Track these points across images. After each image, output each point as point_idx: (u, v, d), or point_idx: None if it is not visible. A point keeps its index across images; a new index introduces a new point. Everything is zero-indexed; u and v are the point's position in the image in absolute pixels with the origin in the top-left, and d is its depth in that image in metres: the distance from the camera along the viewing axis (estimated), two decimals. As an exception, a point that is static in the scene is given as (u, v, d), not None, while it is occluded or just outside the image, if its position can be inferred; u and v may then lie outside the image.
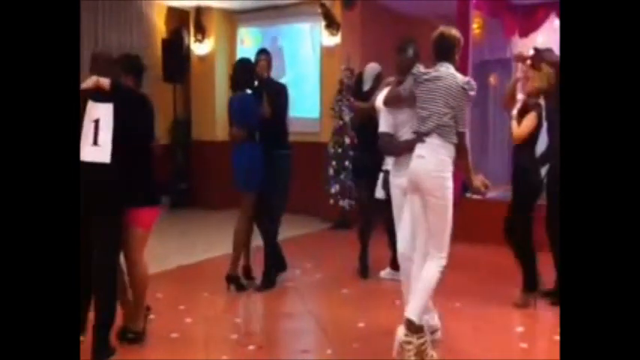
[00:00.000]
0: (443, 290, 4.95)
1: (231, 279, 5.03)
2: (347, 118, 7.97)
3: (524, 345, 3.93)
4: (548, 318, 4.50)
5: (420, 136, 3.59)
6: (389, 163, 4.83)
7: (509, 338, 4.10)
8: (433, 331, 3.77)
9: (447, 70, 3.59)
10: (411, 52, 3.99)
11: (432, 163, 3.51)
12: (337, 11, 8.51)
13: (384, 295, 5.01)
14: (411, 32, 9.59)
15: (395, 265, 5.01)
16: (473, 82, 3.60)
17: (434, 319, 3.86)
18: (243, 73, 5.06)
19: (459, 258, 6.55)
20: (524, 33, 8.69)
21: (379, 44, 8.96)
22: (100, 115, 3.50)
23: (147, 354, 3.77)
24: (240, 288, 5.04)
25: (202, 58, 9.64)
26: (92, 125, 3.49)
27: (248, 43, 9.53)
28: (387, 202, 4.60)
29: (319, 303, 4.97)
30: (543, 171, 4.74)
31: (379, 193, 4.84)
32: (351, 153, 8.03)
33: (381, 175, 4.74)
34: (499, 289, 4.99)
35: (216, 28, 9.54)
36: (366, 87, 5.35)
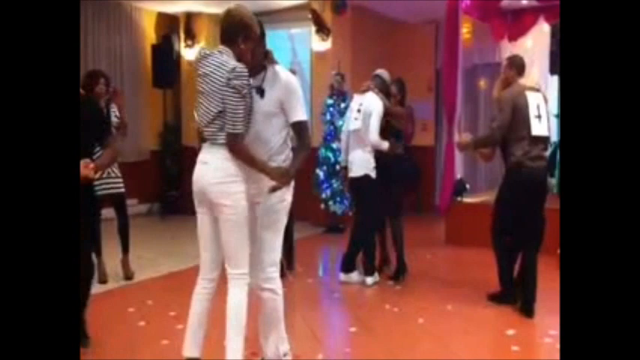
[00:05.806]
0: (435, 293, 5.00)
1: None
2: (338, 122, 7.98)
3: (515, 348, 3.94)
4: (539, 320, 4.50)
5: (200, 138, 3.08)
6: None
7: (501, 340, 4.10)
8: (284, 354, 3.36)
9: (220, 56, 2.93)
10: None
11: (213, 169, 2.99)
12: (327, 16, 8.54)
13: (375, 299, 5.00)
14: (400, 37, 9.69)
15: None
16: (240, 69, 2.87)
17: (283, 344, 3.38)
18: None
19: (451, 261, 6.60)
20: (513, 37, 8.75)
21: (369, 49, 9.01)
22: None
23: (137, 361, 3.74)
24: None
25: (192, 64, 9.61)
26: None
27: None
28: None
29: (311, 307, 4.95)
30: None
31: None
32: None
33: None
34: (490, 292, 4.99)
35: (206, 33, 9.54)
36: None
